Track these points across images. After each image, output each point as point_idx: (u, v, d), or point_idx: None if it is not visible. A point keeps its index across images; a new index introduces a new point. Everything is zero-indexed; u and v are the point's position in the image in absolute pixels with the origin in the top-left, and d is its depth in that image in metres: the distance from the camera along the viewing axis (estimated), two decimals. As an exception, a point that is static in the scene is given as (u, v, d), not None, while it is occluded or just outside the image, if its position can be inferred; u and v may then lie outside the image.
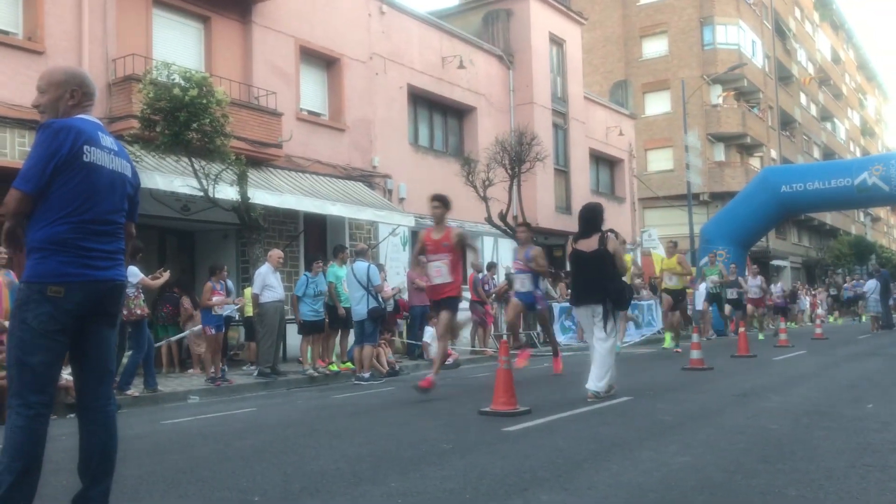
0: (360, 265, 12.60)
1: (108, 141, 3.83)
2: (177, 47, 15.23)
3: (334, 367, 13.30)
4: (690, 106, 35.12)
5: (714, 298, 20.15)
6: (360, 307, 12.38)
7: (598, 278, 8.54)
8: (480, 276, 17.85)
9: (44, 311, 3.53)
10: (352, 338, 13.40)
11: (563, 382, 10.81)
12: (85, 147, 3.65)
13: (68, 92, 3.86)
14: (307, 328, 13.02)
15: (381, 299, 12.74)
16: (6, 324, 9.92)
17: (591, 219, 9.00)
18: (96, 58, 13.70)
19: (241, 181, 13.12)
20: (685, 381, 10.42)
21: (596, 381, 8.42)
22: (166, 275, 11.65)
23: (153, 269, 12.10)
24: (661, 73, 42.79)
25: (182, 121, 11.78)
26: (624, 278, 9.32)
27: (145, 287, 10.89)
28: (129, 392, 10.32)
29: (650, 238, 29.32)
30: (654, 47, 43.66)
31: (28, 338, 3.54)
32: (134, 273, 10.38)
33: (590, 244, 8.75)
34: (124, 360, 11.78)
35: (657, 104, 43.00)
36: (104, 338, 3.79)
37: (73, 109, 3.85)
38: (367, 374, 12.38)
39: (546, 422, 6.92)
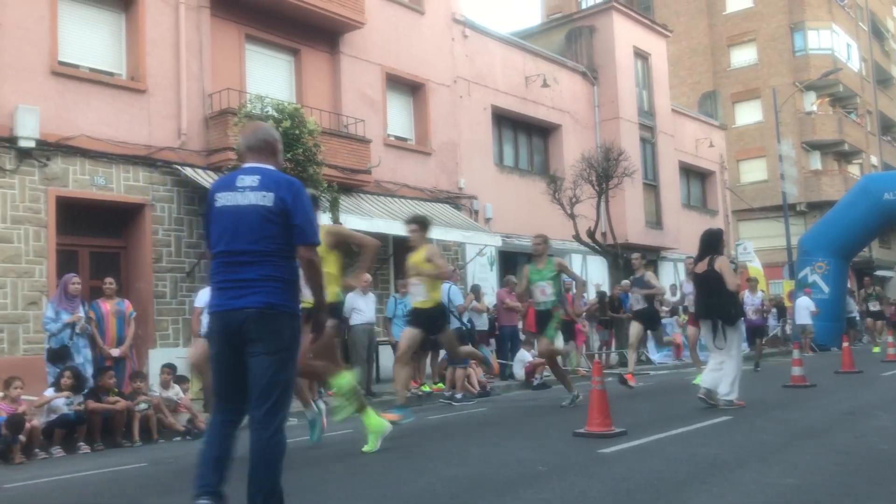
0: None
1: (246, 181, 4.12)
2: (269, 80, 15.78)
3: (426, 388, 13.41)
4: (783, 114, 34.13)
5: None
6: None
7: (708, 297, 9.30)
8: (571, 294, 17.71)
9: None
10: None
11: (659, 402, 10.63)
12: (216, 195, 4.17)
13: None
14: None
15: (463, 319, 12.89)
16: (113, 351, 10.47)
17: (709, 243, 9.67)
18: (193, 94, 14.33)
19: (333, 207, 13.46)
20: (787, 398, 10.09)
21: (726, 389, 9.09)
22: None
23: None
24: (751, 82, 41.71)
25: (276, 151, 12.17)
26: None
27: None
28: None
29: (745, 251, 28.52)
30: (743, 56, 42.63)
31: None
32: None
33: (702, 266, 9.53)
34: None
35: (748, 114, 41.90)
36: (257, 363, 3.96)
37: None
38: (459, 395, 12.46)
39: (642, 443, 6.83)
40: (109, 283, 10.87)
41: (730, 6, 42.89)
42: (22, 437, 8.36)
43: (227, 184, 4.14)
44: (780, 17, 41.47)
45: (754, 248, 29.25)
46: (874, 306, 18.54)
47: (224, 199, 4.10)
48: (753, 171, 41.15)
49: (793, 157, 30.40)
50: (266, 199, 4.04)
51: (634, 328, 12.65)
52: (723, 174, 32.25)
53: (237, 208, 4.06)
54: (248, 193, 4.06)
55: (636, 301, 12.68)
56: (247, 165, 4.23)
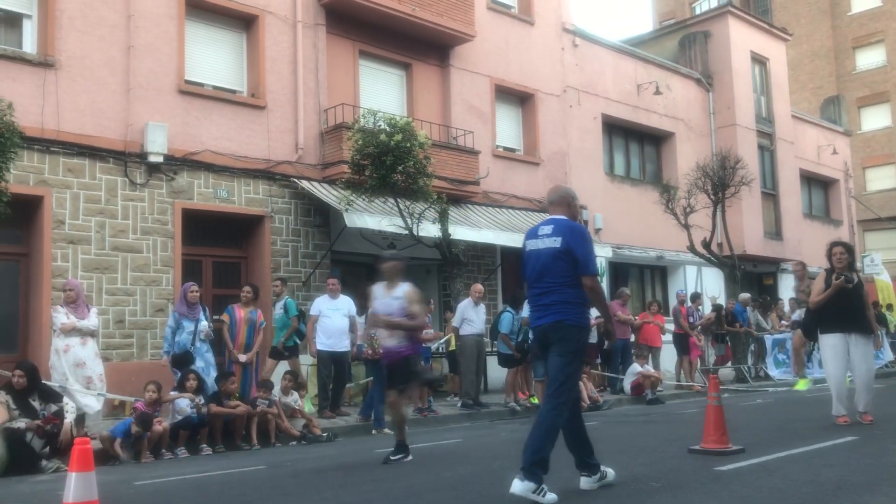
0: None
1: (545, 230, 5.57)
2: (381, 94, 16.15)
3: (535, 400, 13.33)
4: (915, 118, 32.30)
5: None
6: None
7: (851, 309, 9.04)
8: (687, 307, 17.29)
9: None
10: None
11: (779, 419, 10.22)
12: (527, 241, 5.68)
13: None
14: (511, 361, 13.13)
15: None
16: (241, 357, 10.96)
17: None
18: (310, 109, 14.81)
19: (443, 218, 13.61)
20: (920, 420, 9.49)
21: (865, 402, 8.90)
22: None
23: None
24: (879, 85, 39.59)
25: (388, 164, 12.45)
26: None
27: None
28: (386, 431, 10.77)
29: (873, 263, 27.06)
30: (870, 58, 40.50)
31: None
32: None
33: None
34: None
35: (875, 119, 39.75)
36: (551, 360, 5.43)
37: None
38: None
39: (761, 462, 6.58)
40: (247, 291, 11.44)
41: (855, 6, 40.87)
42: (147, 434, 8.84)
43: (533, 233, 5.66)
44: (911, 15, 39.26)
45: (882, 259, 27.71)
46: None
47: (531, 245, 5.62)
48: (881, 179, 38.99)
49: (926, 164, 28.68)
50: (556, 242, 5.45)
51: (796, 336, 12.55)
52: (847, 182, 30.77)
53: (538, 252, 5.53)
54: (546, 239, 5.51)
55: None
56: (548, 217, 5.72)
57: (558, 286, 5.40)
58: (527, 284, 5.68)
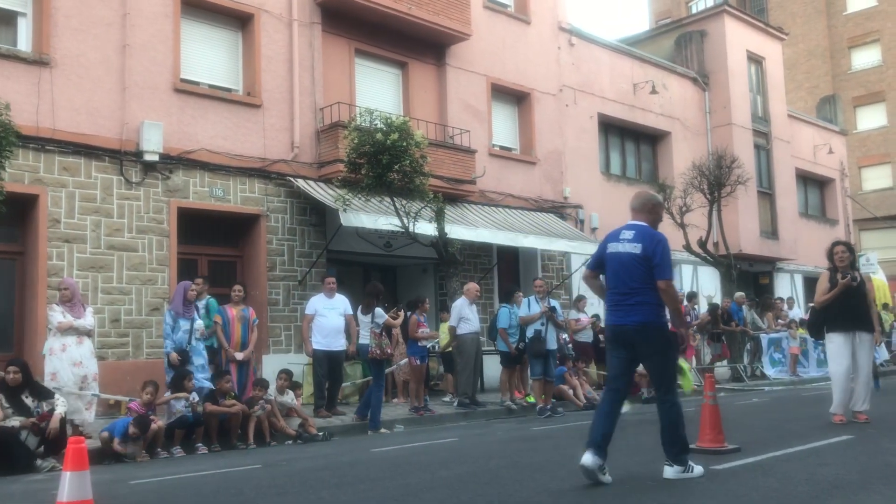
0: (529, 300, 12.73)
1: (626, 235, 6.00)
2: (377, 93, 16.14)
3: (531, 399, 13.34)
4: (910, 118, 32.37)
5: None
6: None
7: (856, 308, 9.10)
8: (684, 306, 17.30)
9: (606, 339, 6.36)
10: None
11: (775, 419, 10.23)
12: (608, 244, 6.08)
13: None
14: (510, 359, 13.11)
15: (527, 332, 12.50)
16: (237, 355, 10.96)
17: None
18: (306, 108, 14.79)
19: (439, 217, 13.60)
20: (915, 419, 9.51)
21: (864, 400, 8.94)
22: (402, 314, 12.40)
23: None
24: (875, 85, 39.65)
25: (384, 163, 12.44)
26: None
27: (391, 325, 11.64)
28: (382, 430, 10.80)
29: (868, 262, 27.08)
30: (866, 58, 40.56)
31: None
32: (380, 314, 11.11)
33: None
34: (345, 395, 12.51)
35: (871, 118, 39.80)
36: (648, 363, 5.99)
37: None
38: (537, 408, 12.33)
39: (757, 461, 6.58)
40: (238, 290, 11.42)
41: (851, 6, 40.93)
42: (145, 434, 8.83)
43: (615, 236, 6.06)
44: (906, 15, 39.32)
45: (878, 258, 27.74)
46: None
47: (612, 248, 6.02)
48: (877, 179, 39.06)
49: (921, 163, 28.74)
50: (636, 248, 5.89)
51: None
52: (843, 182, 30.83)
53: (619, 255, 5.94)
54: (626, 244, 5.93)
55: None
56: (629, 222, 6.11)
57: (641, 289, 5.86)
58: (607, 284, 6.12)
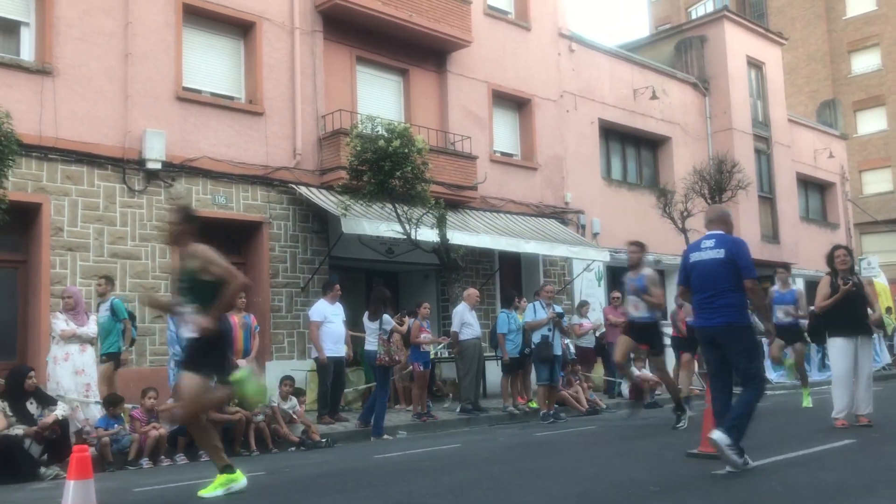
0: (534, 305, 12.72)
1: (707, 244, 6.62)
2: (379, 100, 16.19)
3: (533, 405, 13.35)
4: (910, 121, 32.39)
5: None
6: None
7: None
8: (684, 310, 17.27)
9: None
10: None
11: (777, 423, 10.23)
12: (690, 254, 6.74)
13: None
14: (512, 364, 13.10)
15: (533, 337, 12.50)
16: (240, 363, 10.93)
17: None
18: (308, 115, 14.84)
19: (441, 223, 13.63)
20: (918, 423, 9.51)
21: (866, 404, 9.02)
22: (407, 320, 12.38)
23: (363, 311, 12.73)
24: (875, 89, 39.68)
25: (386, 170, 12.47)
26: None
27: (398, 332, 11.64)
28: (386, 437, 10.81)
29: (870, 266, 27.09)
30: (865, 62, 40.59)
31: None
32: (388, 321, 11.12)
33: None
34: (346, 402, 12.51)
35: (871, 122, 39.83)
36: (738, 362, 6.43)
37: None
38: (540, 413, 12.33)
39: (759, 465, 6.58)
40: (241, 296, 11.39)
41: (850, 10, 40.99)
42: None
43: (696, 246, 6.75)
44: (906, 19, 39.36)
45: (879, 262, 27.73)
46: None
47: (695, 257, 6.66)
48: (877, 182, 39.08)
49: (922, 167, 28.74)
50: (720, 253, 6.48)
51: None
52: (844, 186, 30.84)
53: (703, 262, 6.56)
54: (709, 251, 6.55)
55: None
56: (708, 233, 6.73)
57: (724, 291, 6.41)
58: (692, 291, 6.72)
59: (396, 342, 12.90)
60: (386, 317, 11.20)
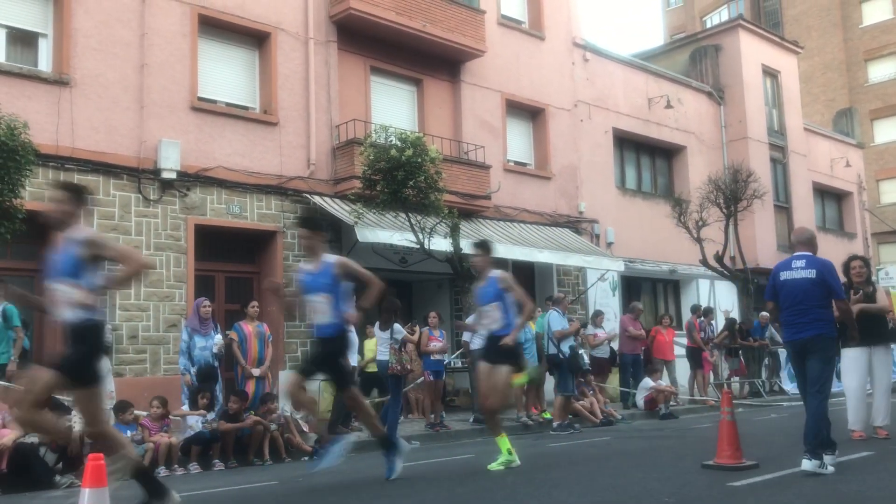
0: (553, 314, 12.68)
1: (798, 264, 7.15)
2: (393, 109, 16.22)
3: (547, 415, 13.29)
4: (928, 130, 32.14)
5: None
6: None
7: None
8: (699, 321, 17.19)
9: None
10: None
11: (794, 435, 10.12)
12: (780, 272, 7.26)
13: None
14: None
15: (562, 347, 12.51)
16: (254, 371, 10.93)
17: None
18: (322, 125, 14.89)
19: (454, 233, 13.63)
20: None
21: (885, 415, 9.09)
22: (418, 329, 12.35)
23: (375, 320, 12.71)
24: (892, 98, 39.42)
25: (399, 179, 12.49)
26: None
27: (409, 341, 11.59)
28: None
29: (888, 276, 26.85)
30: (882, 70, 40.35)
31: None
32: (398, 330, 11.11)
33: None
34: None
35: (888, 131, 39.54)
36: (811, 365, 6.95)
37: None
38: (555, 424, 12.28)
39: (776, 477, 6.53)
40: (254, 305, 11.42)
41: (867, 19, 40.79)
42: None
43: (787, 265, 7.24)
44: (923, 27, 39.11)
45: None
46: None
47: (786, 275, 7.18)
48: (895, 192, 38.79)
49: (940, 176, 28.47)
50: (811, 273, 7.03)
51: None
52: (861, 195, 30.63)
53: (794, 280, 7.09)
54: (801, 271, 7.08)
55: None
56: (797, 253, 7.27)
57: (814, 307, 6.97)
58: (782, 306, 7.24)
59: (410, 352, 12.90)
60: (397, 326, 11.18)
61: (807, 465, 6.52)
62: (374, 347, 12.08)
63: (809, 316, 6.95)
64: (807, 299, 6.98)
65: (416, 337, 12.39)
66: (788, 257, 7.40)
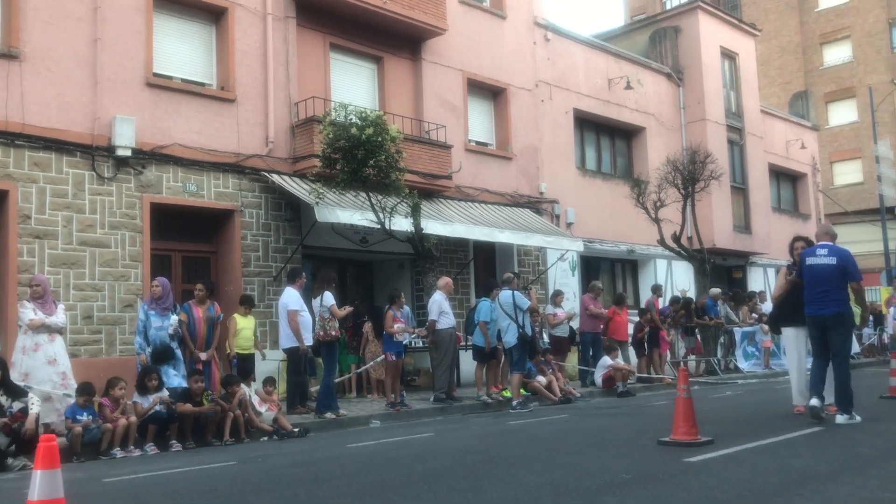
0: (505, 293, 12.73)
1: (821, 251, 8.56)
2: (352, 87, 16.07)
3: (507, 394, 13.38)
4: (880, 114, 32.81)
5: None
6: (508, 336, 12.58)
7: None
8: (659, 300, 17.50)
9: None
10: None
11: (748, 412, 10.34)
12: (806, 258, 8.66)
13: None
14: (485, 354, 13.13)
15: (528, 325, 12.69)
16: (201, 355, 10.78)
17: None
18: (280, 102, 14.69)
19: (415, 213, 13.58)
20: (885, 410, 9.67)
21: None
22: (349, 309, 12.25)
23: (342, 297, 12.59)
24: (846, 81, 40.15)
25: (360, 158, 12.38)
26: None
27: (333, 314, 11.46)
28: (327, 415, 10.86)
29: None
30: (837, 54, 41.06)
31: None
32: (329, 300, 11.13)
33: None
34: (314, 388, 12.47)
35: (842, 114, 40.32)
36: (834, 339, 8.45)
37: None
38: (514, 402, 12.41)
39: (730, 453, 6.66)
40: (199, 288, 11.16)
41: (823, 2, 41.40)
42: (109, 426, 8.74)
43: (812, 252, 8.63)
44: (877, 11, 39.76)
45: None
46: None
47: (811, 261, 8.53)
48: (848, 174, 39.59)
49: (891, 159, 29.09)
50: (833, 260, 8.44)
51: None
52: (815, 177, 31.19)
53: (819, 265, 8.47)
54: (823, 258, 8.48)
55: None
56: (821, 243, 8.69)
57: (834, 289, 8.37)
58: (806, 286, 8.58)
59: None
60: (327, 294, 11.22)
61: (840, 419, 8.00)
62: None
63: (831, 296, 8.30)
64: (828, 281, 8.31)
65: (342, 312, 12.04)
66: (813, 245, 8.73)
